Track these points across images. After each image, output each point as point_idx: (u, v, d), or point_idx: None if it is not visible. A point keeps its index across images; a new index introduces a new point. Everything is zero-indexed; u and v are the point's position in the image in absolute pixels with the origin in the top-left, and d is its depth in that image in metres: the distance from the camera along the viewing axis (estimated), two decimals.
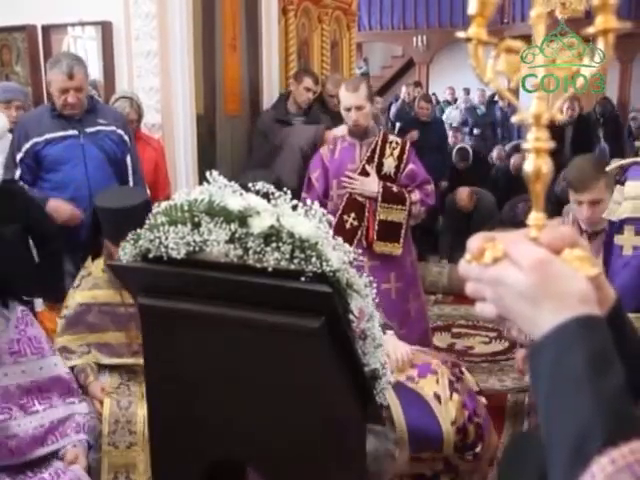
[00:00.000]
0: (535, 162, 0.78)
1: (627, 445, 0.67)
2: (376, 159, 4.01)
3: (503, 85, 0.82)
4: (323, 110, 5.47)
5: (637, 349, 0.90)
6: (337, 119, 5.40)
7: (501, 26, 13.33)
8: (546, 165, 0.78)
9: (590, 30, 0.76)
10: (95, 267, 3.17)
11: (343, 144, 4.10)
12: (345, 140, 4.12)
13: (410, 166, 4.05)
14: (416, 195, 4.02)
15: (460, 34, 0.78)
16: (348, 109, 3.97)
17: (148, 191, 4.19)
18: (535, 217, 0.81)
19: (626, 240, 2.82)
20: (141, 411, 2.90)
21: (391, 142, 4.06)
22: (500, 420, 4.08)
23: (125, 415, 2.96)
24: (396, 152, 4.02)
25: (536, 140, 0.78)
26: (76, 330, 3.09)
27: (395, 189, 4.00)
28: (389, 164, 4.02)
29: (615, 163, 3.19)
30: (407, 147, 4.08)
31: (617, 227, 2.89)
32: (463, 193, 7.30)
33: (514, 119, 0.80)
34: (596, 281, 0.81)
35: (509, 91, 0.82)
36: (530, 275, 0.75)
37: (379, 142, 4.06)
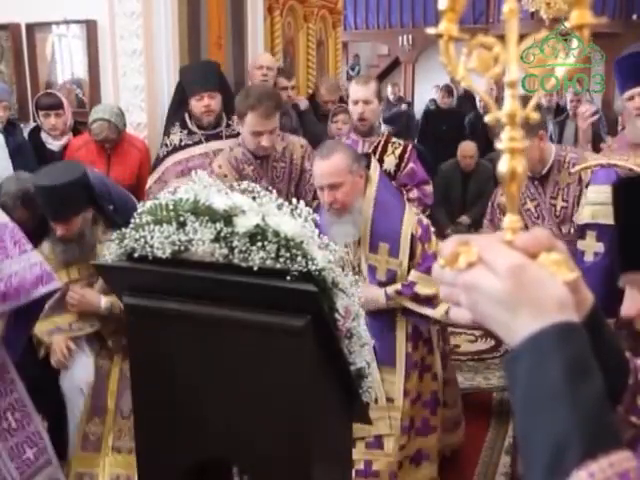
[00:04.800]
0: (510, 163, 0.75)
1: (606, 458, 0.65)
2: (377, 156, 3.98)
3: (476, 83, 0.79)
4: (317, 116, 5.37)
5: (615, 353, 0.88)
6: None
7: (486, 25, 13.39)
8: (521, 165, 0.75)
9: (565, 25, 0.75)
10: (43, 251, 3.32)
11: (347, 140, 4.07)
12: (349, 137, 4.10)
13: (410, 165, 4.03)
14: (414, 193, 4.00)
15: (430, 30, 0.76)
16: (356, 102, 3.96)
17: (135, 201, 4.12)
18: (510, 220, 0.78)
19: (587, 246, 2.80)
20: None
21: (393, 143, 4.04)
22: (485, 418, 4.10)
23: (127, 423, 3.29)
24: (397, 151, 4.01)
25: (510, 140, 0.75)
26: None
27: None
28: (390, 162, 4.00)
29: (580, 165, 3.17)
30: (409, 148, 4.06)
31: (580, 232, 2.86)
32: (469, 145, 7.03)
33: (487, 118, 0.77)
34: (573, 284, 0.78)
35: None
36: (506, 281, 0.73)
37: (382, 141, 4.04)
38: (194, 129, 4.25)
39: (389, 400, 3.02)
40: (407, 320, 3.07)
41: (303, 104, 5.33)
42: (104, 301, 3.32)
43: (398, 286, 3.01)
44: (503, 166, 0.76)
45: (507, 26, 0.74)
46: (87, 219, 3.33)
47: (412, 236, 3.01)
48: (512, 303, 0.73)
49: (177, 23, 4.66)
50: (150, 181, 4.24)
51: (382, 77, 15.79)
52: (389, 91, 12.35)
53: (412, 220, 3.06)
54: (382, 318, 3.01)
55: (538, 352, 0.71)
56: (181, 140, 4.25)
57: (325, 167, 2.94)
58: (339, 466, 2.23)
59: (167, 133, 4.34)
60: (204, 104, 4.12)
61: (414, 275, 3.01)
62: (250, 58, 5.40)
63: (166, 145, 4.31)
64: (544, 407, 0.69)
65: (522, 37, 0.76)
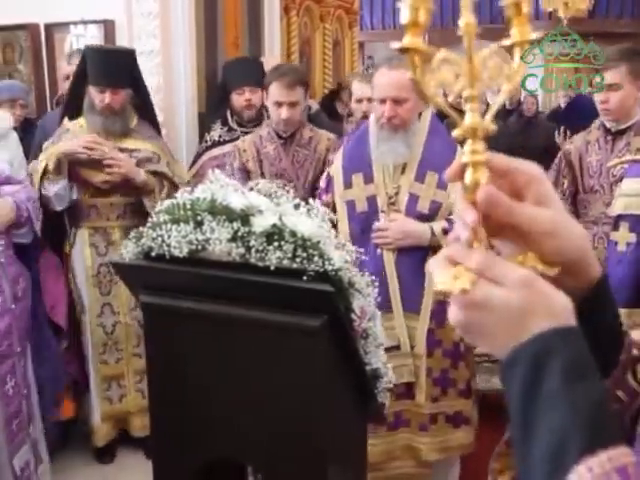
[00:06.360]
0: (473, 176, 0.75)
1: (605, 453, 0.66)
2: None
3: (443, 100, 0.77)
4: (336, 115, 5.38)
5: (614, 329, 0.88)
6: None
7: (503, 24, 13.29)
8: (484, 177, 0.75)
9: (505, 43, 0.75)
10: (73, 124, 3.61)
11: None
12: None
13: None
14: None
15: (394, 45, 0.73)
16: (360, 100, 3.98)
17: None
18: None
19: (620, 237, 2.81)
20: (124, 329, 3.67)
21: None
22: (502, 420, 4.08)
23: (111, 338, 3.66)
24: None
25: (473, 153, 0.75)
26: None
27: None
28: None
29: (615, 160, 3.22)
30: None
31: (613, 223, 2.89)
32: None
33: (455, 133, 0.77)
34: (584, 254, 0.80)
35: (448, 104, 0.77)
36: (519, 292, 0.72)
37: None
38: (234, 126, 4.30)
39: (410, 347, 2.88)
40: None
41: (314, 107, 5.32)
42: (142, 173, 3.52)
43: (445, 224, 2.82)
44: (467, 179, 0.76)
45: (465, 40, 0.73)
46: (128, 99, 3.57)
47: None
48: (526, 311, 0.72)
49: (194, 23, 4.67)
50: (188, 176, 4.30)
51: None
52: None
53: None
54: (415, 256, 2.85)
55: (537, 353, 0.71)
56: (220, 136, 4.32)
57: (392, 79, 2.77)
58: (354, 467, 2.22)
59: (208, 130, 4.43)
60: (245, 98, 4.18)
61: None
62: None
63: (206, 141, 4.39)
64: (542, 407, 0.69)
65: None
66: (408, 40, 0.73)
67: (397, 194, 2.89)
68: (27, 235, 2.95)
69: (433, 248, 2.81)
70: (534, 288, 0.73)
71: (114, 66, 3.46)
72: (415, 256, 2.86)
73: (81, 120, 3.60)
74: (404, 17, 0.72)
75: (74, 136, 3.53)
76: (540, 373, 0.70)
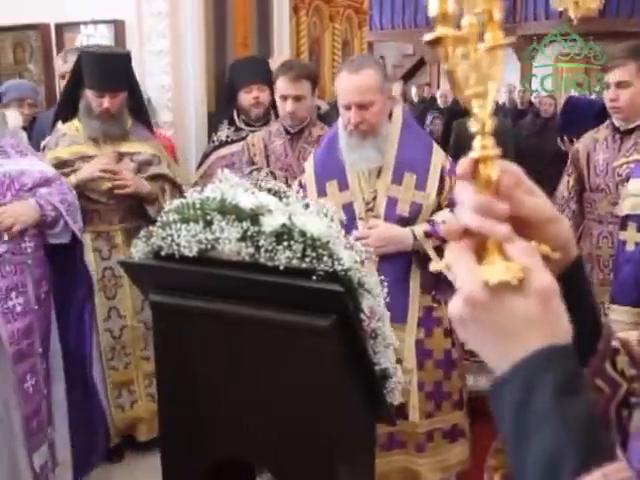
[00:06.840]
0: (484, 171, 0.75)
1: (600, 470, 0.65)
2: None
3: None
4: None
5: (592, 315, 0.88)
6: None
7: (513, 24, 13.31)
8: (495, 173, 0.75)
9: (481, 47, 0.74)
10: (68, 128, 3.54)
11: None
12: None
13: None
14: None
15: (428, 36, 0.73)
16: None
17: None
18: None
19: (629, 236, 2.82)
20: (131, 333, 3.64)
21: None
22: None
23: (119, 342, 3.63)
24: None
25: (483, 148, 0.75)
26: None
27: None
28: None
29: (621, 160, 3.23)
30: None
31: (621, 223, 2.90)
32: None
33: (473, 128, 0.76)
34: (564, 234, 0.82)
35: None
36: (533, 304, 0.71)
37: None
38: (241, 125, 4.28)
39: (398, 361, 2.57)
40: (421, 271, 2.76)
41: (323, 107, 5.31)
42: (147, 185, 3.52)
43: (426, 226, 2.68)
44: (481, 173, 0.76)
45: (469, 40, 0.74)
46: (124, 102, 3.52)
47: (442, 169, 2.73)
48: (531, 324, 0.72)
49: (203, 23, 4.68)
50: (196, 176, 4.29)
51: (407, 77, 15.75)
52: (413, 92, 12.30)
53: (441, 153, 2.80)
54: (397, 263, 2.71)
55: (531, 372, 0.71)
56: (227, 136, 4.30)
57: (353, 83, 2.61)
58: (362, 467, 2.22)
59: (215, 130, 4.41)
60: (253, 96, 4.16)
61: (445, 215, 2.68)
62: (276, 58, 5.41)
63: (213, 141, 4.37)
64: (535, 426, 0.69)
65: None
66: (439, 30, 0.72)
67: (374, 199, 2.75)
68: (62, 235, 2.93)
69: (416, 253, 2.72)
70: (549, 305, 0.72)
71: (112, 70, 3.40)
72: (397, 263, 2.72)
73: (76, 123, 3.53)
74: (433, 9, 0.72)
75: (72, 141, 3.49)
76: (532, 391, 0.70)
